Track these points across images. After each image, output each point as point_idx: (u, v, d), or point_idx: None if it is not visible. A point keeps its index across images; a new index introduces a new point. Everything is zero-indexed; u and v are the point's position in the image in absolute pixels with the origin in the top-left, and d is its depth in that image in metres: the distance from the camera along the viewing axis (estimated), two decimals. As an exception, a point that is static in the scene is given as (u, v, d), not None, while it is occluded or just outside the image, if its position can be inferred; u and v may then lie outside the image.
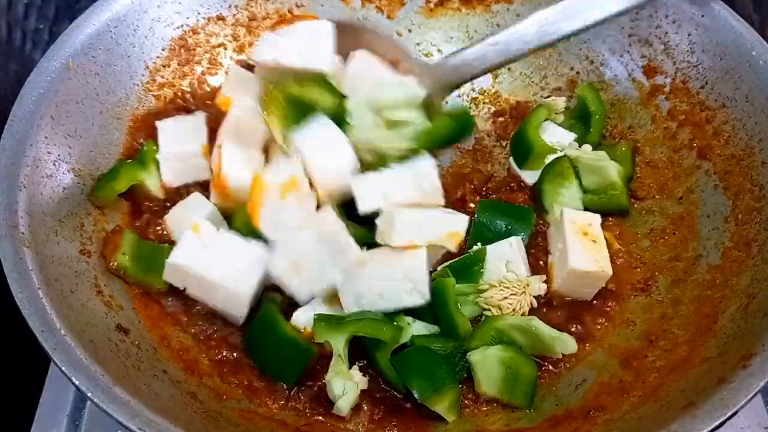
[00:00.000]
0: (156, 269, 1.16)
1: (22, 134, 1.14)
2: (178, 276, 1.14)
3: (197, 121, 1.31)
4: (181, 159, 1.28)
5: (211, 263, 1.12)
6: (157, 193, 1.29)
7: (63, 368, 0.92)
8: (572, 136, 1.40)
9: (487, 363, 1.10)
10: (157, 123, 1.31)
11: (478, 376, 1.11)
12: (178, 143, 1.29)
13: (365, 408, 1.12)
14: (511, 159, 1.40)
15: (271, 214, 1.12)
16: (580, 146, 1.37)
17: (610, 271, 1.18)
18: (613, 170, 1.29)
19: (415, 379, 1.06)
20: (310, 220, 1.12)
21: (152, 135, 1.31)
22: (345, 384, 1.08)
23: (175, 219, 1.24)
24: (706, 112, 1.29)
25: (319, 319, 1.09)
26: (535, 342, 1.13)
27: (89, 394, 0.90)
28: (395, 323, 1.10)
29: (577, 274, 1.17)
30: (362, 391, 1.10)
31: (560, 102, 1.44)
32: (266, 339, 1.12)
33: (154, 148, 1.29)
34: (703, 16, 1.30)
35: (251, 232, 1.15)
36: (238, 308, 1.13)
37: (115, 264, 1.16)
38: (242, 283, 1.12)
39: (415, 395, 1.06)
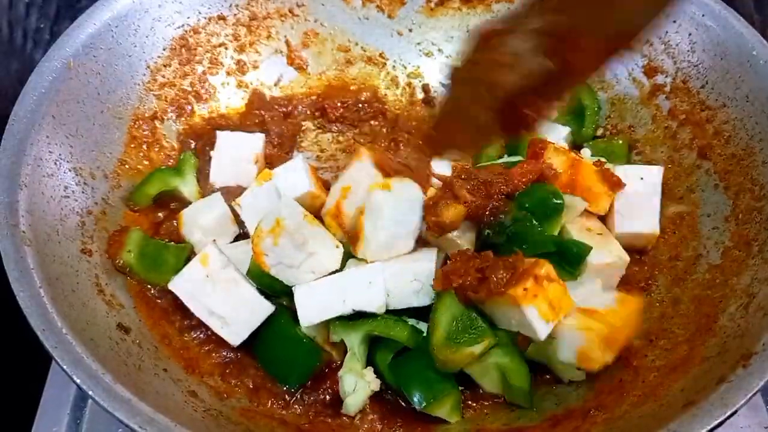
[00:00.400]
0: (162, 267, 1.18)
1: (23, 133, 1.14)
2: (182, 290, 1.14)
3: (256, 138, 1.37)
4: (234, 161, 1.32)
5: (212, 297, 1.11)
6: (192, 200, 1.30)
7: (64, 366, 0.92)
8: (566, 129, 1.40)
9: (485, 371, 1.10)
10: (218, 132, 1.35)
11: (480, 382, 1.11)
12: (235, 148, 1.34)
13: (369, 408, 1.11)
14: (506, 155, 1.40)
15: (274, 259, 1.11)
16: (576, 141, 1.38)
17: (627, 257, 1.18)
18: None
19: (413, 387, 1.06)
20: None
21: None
22: (357, 382, 1.08)
23: (189, 215, 1.25)
24: (707, 112, 1.29)
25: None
26: (544, 357, 1.12)
27: (90, 393, 0.90)
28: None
29: (597, 268, 1.16)
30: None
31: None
32: (277, 339, 1.12)
33: (194, 159, 1.33)
34: (703, 15, 1.31)
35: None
36: (233, 339, 1.13)
37: (121, 262, 1.17)
38: (239, 328, 1.12)
39: (414, 404, 1.06)
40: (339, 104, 1.51)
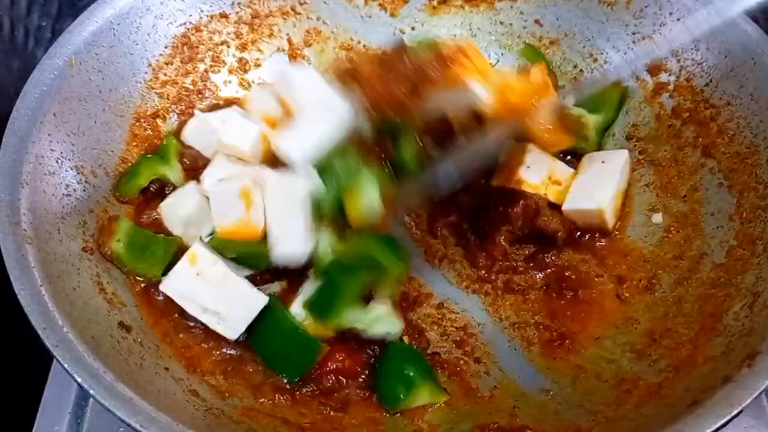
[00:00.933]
0: (150, 259, 1.17)
1: (24, 131, 1.13)
2: (174, 291, 1.13)
3: (252, 126, 1.32)
4: (208, 129, 1.30)
5: (205, 294, 1.11)
6: (179, 185, 1.29)
7: (65, 365, 0.92)
8: None
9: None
10: (234, 106, 1.35)
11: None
12: (222, 123, 1.30)
13: (370, 402, 1.12)
14: None
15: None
16: None
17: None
18: (589, 124, 1.34)
19: (385, 396, 1.11)
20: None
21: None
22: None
23: (168, 208, 1.24)
24: (711, 110, 1.28)
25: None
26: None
27: (91, 391, 0.90)
28: None
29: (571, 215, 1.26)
30: (369, 385, 1.13)
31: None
32: (274, 333, 1.13)
33: (175, 142, 1.32)
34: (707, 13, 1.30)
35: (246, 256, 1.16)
36: (230, 334, 1.13)
37: (109, 251, 1.16)
38: (235, 322, 1.12)
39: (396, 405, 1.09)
40: (341, 102, 1.50)
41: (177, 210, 1.23)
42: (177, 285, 1.12)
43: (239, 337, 1.13)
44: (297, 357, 1.12)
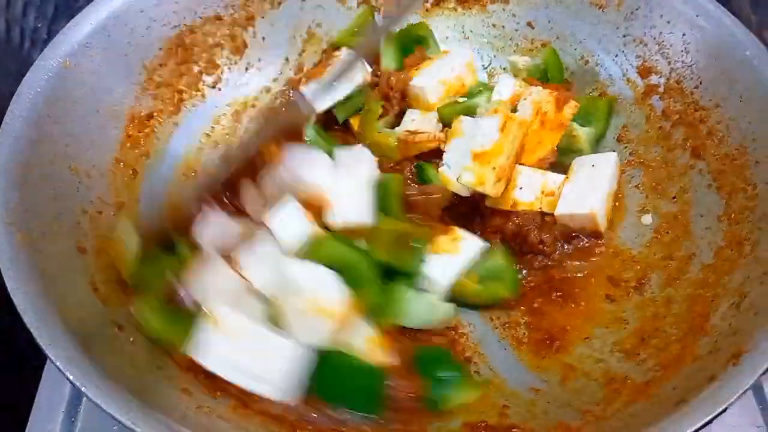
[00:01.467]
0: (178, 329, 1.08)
1: (18, 132, 1.14)
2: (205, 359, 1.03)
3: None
4: (227, 230, 1.18)
5: (240, 360, 1.02)
6: None
7: (58, 363, 0.92)
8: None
9: None
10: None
11: None
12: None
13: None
14: None
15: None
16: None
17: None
18: (582, 137, 1.35)
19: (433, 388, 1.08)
20: None
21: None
22: None
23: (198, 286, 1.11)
24: (700, 112, 1.29)
25: None
26: None
27: (83, 389, 0.90)
28: None
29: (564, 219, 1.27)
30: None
31: (521, 61, 1.47)
32: (338, 376, 1.06)
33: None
34: (697, 15, 1.31)
35: None
36: (280, 395, 1.05)
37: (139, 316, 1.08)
38: (280, 381, 1.03)
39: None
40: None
41: (209, 288, 1.10)
42: (210, 355, 1.03)
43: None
44: (368, 391, 1.06)
